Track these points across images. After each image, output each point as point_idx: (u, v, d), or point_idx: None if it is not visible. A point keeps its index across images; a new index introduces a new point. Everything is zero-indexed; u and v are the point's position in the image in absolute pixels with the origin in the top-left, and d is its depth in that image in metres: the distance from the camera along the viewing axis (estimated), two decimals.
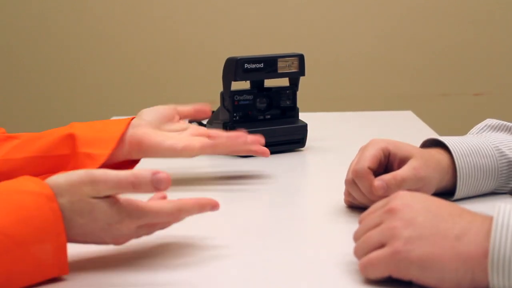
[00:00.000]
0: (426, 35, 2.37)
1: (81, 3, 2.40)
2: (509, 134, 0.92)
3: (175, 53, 2.41)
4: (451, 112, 2.38)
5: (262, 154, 1.01)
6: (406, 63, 2.38)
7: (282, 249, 0.75)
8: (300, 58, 1.18)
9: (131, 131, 0.97)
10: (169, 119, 1.01)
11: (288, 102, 1.20)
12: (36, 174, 0.94)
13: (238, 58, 1.14)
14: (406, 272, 0.62)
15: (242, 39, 2.38)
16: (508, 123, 0.93)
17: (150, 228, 0.70)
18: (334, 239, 0.78)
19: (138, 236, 0.70)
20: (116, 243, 0.69)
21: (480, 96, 2.36)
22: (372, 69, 2.39)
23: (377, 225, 0.65)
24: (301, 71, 1.18)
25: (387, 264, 0.62)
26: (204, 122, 1.39)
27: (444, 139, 0.88)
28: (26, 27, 2.42)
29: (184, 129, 1.01)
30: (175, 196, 0.96)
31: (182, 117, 1.04)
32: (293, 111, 1.21)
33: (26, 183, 0.66)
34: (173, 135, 1.00)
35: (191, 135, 1.00)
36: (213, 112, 1.28)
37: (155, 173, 0.65)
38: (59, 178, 0.66)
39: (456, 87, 2.38)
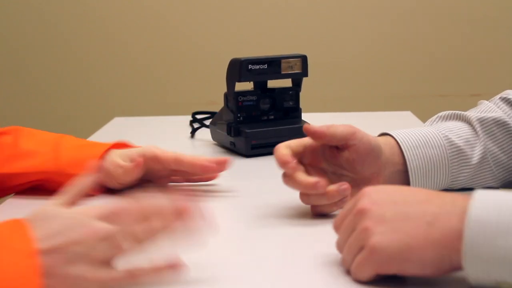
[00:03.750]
0: (424, 37, 2.38)
1: (84, 3, 2.40)
2: (459, 121, 0.91)
3: (178, 54, 2.41)
4: None
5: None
6: (406, 64, 2.39)
7: (281, 249, 0.76)
8: (303, 59, 1.18)
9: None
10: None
11: (291, 103, 1.21)
12: (17, 188, 0.96)
13: (243, 59, 1.15)
14: (388, 267, 0.62)
15: (245, 41, 2.39)
16: (459, 112, 0.92)
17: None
18: (334, 239, 0.79)
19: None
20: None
21: (477, 97, 2.37)
22: (372, 70, 2.41)
23: (353, 230, 0.65)
24: (304, 72, 1.19)
25: (370, 263, 0.63)
26: (207, 123, 1.40)
27: (392, 132, 0.88)
28: (29, 27, 2.42)
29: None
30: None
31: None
32: (296, 111, 1.22)
33: (8, 236, 0.61)
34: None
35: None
36: (216, 113, 1.28)
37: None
38: None
39: (453, 88, 2.40)
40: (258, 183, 1.03)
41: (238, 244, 0.78)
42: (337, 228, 0.68)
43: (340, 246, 0.67)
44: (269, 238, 0.80)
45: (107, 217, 0.63)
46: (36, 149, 0.96)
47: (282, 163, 0.82)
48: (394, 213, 0.62)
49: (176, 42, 2.41)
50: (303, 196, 0.85)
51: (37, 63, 2.44)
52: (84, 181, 0.67)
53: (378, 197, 0.64)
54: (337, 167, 0.86)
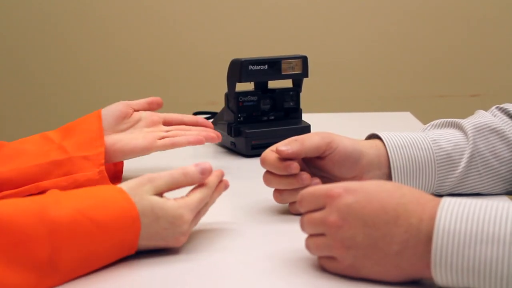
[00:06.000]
0: (423, 38, 2.39)
1: (84, 3, 2.41)
2: (451, 128, 0.92)
3: (179, 55, 2.42)
4: (448, 113, 2.39)
5: (212, 140, 1.06)
6: (405, 65, 2.40)
7: (282, 247, 0.76)
8: (304, 60, 1.19)
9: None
10: (124, 117, 1.03)
11: (291, 103, 1.22)
12: (26, 183, 0.94)
13: (243, 59, 1.15)
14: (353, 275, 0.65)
15: (246, 41, 2.39)
16: (452, 119, 0.92)
17: (198, 217, 0.76)
18: None
19: (190, 230, 0.75)
20: (177, 242, 0.72)
21: (476, 97, 2.39)
22: (372, 71, 2.41)
23: (322, 236, 0.66)
24: (305, 73, 1.20)
25: (338, 271, 0.66)
26: None
27: (381, 133, 0.89)
28: (29, 27, 2.42)
29: (137, 121, 1.04)
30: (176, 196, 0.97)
31: (135, 110, 1.06)
32: (297, 112, 1.22)
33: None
34: (132, 136, 1.02)
35: (147, 126, 1.04)
36: (216, 113, 1.29)
37: (197, 165, 0.75)
38: (121, 185, 0.72)
39: (453, 88, 2.41)
40: (258, 183, 1.03)
41: (237, 243, 0.79)
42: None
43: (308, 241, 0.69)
44: (270, 237, 0.80)
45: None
46: (33, 148, 0.96)
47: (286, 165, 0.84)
48: (364, 238, 0.63)
49: (177, 43, 2.41)
50: (276, 194, 0.87)
51: (37, 63, 2.45)
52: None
53: (348, 214, 0.64)
54: (318, 170, 0.87)
